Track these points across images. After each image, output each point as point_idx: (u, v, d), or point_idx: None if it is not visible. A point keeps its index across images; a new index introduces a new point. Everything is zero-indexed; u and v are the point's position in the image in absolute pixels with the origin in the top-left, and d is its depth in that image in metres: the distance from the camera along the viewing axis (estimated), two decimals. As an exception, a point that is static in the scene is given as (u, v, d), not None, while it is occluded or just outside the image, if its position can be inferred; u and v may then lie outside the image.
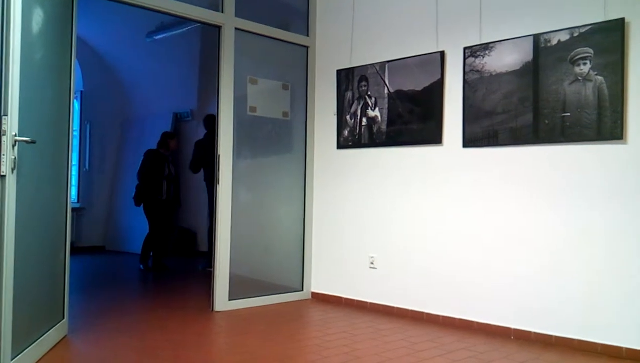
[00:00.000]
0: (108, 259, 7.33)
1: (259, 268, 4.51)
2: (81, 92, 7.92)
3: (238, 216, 4.24)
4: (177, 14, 3.96)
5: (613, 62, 3.11)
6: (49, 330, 3.00)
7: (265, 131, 4.54)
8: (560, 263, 3.32)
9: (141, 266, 6.21)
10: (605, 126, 3.14)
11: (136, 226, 7.22)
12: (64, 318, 3.30)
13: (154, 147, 6.39)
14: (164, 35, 6.89)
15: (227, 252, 4.15)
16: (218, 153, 4.13)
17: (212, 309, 4.10)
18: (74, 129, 7.62)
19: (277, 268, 4.62)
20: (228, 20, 4.15)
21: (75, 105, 7.84)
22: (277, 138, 4.65)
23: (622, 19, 3.08)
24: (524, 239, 3.49)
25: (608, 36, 3.12)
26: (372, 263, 4.31)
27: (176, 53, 7.28)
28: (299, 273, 4.71)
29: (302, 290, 4.70)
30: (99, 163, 8.18)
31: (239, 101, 4.28)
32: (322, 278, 4.67)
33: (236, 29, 4.20)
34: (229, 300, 4.16)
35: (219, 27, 4.14)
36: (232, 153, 4.19)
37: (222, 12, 4.14)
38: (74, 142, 7.72)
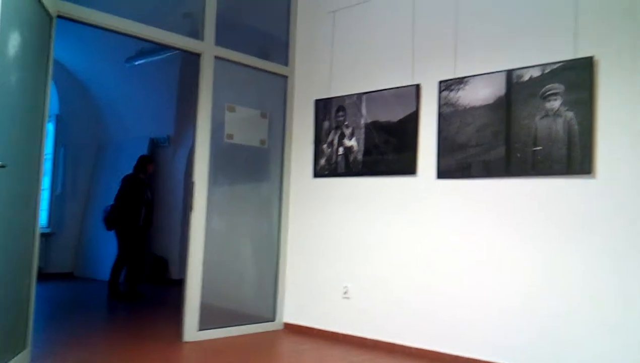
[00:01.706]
0: (76, 286, 7.13)
1: (231, 297, 4.44)
2: (56, 115, 7.83)
3: (211, 244, 4.19)
4: (158, 41, 3.99)
5: (583, 99, 3.20)
6: (9, 360, 2.89)
7: (242, 159, 4.53)
8: (533, 296, 3.34)
9: (112, 293, 6.06)
10: (575, 161, 3.21)
11: (107, 252, 7.07)
12: (26, 347, 3.18)
13: (130, 172, 6.31)
14: (143, 60, 6.90)
15: (198, 280, 4.08)
16: (193, 180, 4.10)
17: (182, 340, 4.00)
18: (47, 152, 7.52)
19: (250, 297, 4.56)
20: (208, 49, 4.18)
21: (50, 128, 7.74)
22: (254, 166, 4.64)
23: (592, 57, 3.19)
24: (497, 271, 3.51)
25: (578, 73, 3.22)
26: (345, 293, 4.28)
27: (155, 79, 7.28)
28: (272, 303, 4.65)
29: (275, 320, 4.62)
30: (71, 188, 8.04)
31: (217, 128, 4.27)
32: (295, 309, 4.62)
33: (216, 57, 4.23)
34: (199, 330, 4.07)
35: (198, 55, 4.16)
36: (208, 180, 4.16)
37: (202, 40, 4.17)
38: (47, 166, 7.62)
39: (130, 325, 4.69)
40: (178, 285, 5.58)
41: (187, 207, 4.19)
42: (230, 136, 4.39)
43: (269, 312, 4.63)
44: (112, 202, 6.21)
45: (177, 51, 4.98)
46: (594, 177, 3.17)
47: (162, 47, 5.09)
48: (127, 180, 6.21)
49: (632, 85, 3.08)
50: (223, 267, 4.33)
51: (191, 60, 4.34)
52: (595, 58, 3.19)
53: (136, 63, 6.98)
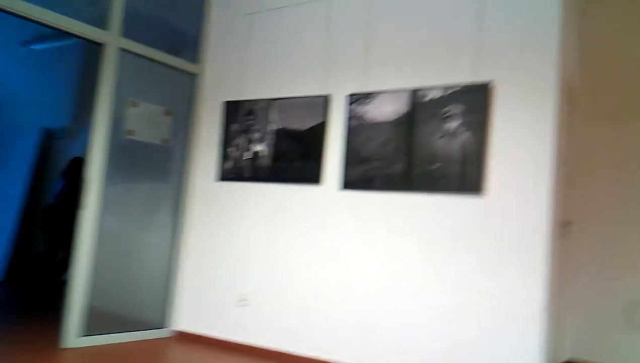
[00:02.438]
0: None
1: (120, 301, 4.20)
2: None
3: (102, 244, 3.95)
4: (58, 27, 3.71)
5: (479, 121, 3.38)
6: None
7: (142, 156, 4.33)
8: (425, 307, 3.45)
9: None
10: (468, 180, 3.38)
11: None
12: None
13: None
14: (42, 46, 6.45)
15: (84, 282, 3.82)
16: (86, 176, 3.85)
17: (60, 346, 3.72)
18: None
19: (141, 302, 4.34)
20: (112, 39, 3.97)
21: None
22: (155, 165, 4.45)
23: (488, 83, 3.38)
24: (392, 281, 3.60)
25: (475, 97, 3.40)
26: (243, 300, 4.19)
27: (54, 66, 6.82)
28: (164, 309, 4.46)
29: (166, 327, 4.43)
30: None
31: (117, 123, 4.06)
32: (189, 315, 4.45)
33: (121, 49, 4.02)
34: (83, 336, 3.81)
35: (102, 45, 3.94)
36: (103, 177, 3.93)
37: (107, 30, 3.95)
38: None
39: (10, 329, 4.29)
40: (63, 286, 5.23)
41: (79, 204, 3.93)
42: (131, 132, 4.18)
43: (160, 318, 4.43)
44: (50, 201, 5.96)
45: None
46: (486, 194, 3.35)
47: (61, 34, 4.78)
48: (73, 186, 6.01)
49: (522, 110, 3.30)
50: (113, 269, 4.09)
51: (95, 49, 4.10)
52: (492, 84, 3.39)
53: (34, 48, 6.51)
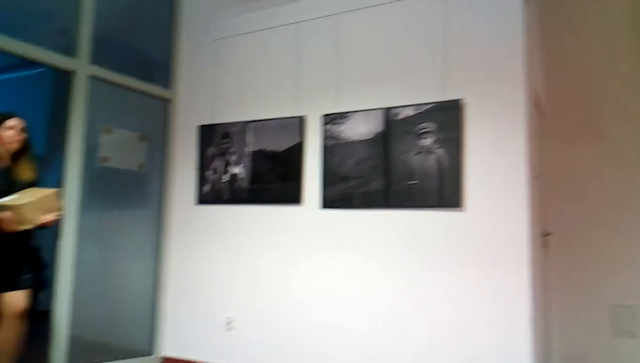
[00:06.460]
0: None
1: (105, 331, 4.14)
2: None
3: (82, 274, 3.89)
4: (25, 56, 3.67)
5: (452, 137, 3.42)
6: None
7: (118, 183, 4.29)
8: (411, 325, 3.46)
9: None
10: (446, 194, 3.41)
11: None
12: None
13: None
14: (11, 75, 6.35)
15: (67, 313, 3.76)
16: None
17: (45, 381, 3.65)
18: None
19: (126, 331, 4.28)
20: (82, 67, 3.93)
21: None
22: (132, 191, 4.41)
23: (459, 100, 3.42)
24: (376, 300, 3.60)
25: (447, 114, 3.44)
26: (229, 324, 4.16)
27: (25, 95, 6.70)
28: (150, 336, 4.41)
29: (153, 354, 4.38)
30: None
31: (90, 150, 4.02)
32: (175, 341, 4.40)
33: (90, 76, 3.99)
34: (67, 368, 3.75)
35: (71, 73, 3.90)
36: (79, 205, 3.88)
37: (76, 57, 3.92)
38: None
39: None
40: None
41: (56, 233, 3.88)
42: (105, 159, 4.14)
43: (146, 345, 4.38)
44: None
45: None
46: (462, 209, 3.38)
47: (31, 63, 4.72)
48: None
49: (494, 126, 3.34)
50: (96, 299, 4.04)
51: (66, 77, 4.06)
52: (463, 101, 3.43)
53: (3, 77, 6.41)
